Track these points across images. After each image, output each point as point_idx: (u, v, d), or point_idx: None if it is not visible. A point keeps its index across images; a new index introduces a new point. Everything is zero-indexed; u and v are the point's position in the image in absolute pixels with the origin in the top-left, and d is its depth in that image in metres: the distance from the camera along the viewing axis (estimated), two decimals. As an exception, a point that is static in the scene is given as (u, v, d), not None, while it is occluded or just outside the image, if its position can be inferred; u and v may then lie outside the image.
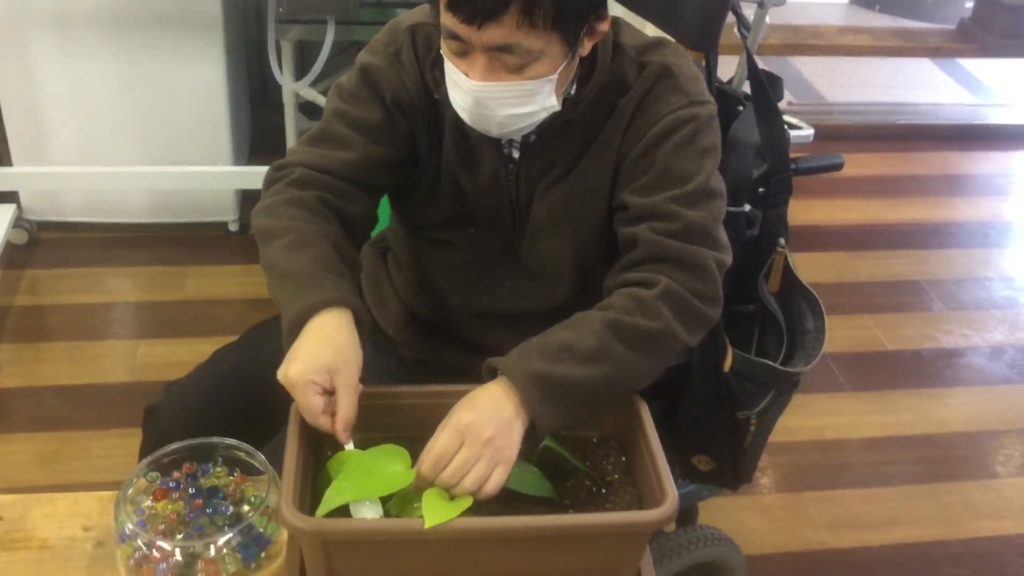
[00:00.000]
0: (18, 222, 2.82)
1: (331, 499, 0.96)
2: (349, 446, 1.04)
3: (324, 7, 2.66)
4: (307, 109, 3.05)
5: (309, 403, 1.03)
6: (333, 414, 1.04)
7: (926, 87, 4.32)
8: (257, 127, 3.29)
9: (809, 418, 2.48)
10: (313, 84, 2.78)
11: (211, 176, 2.71)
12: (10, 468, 2.15)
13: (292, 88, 2.79)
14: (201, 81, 2.71)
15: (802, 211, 3.30)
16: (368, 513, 0.99)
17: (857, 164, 3.69)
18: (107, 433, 2.23)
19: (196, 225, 2.96)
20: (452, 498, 0.99)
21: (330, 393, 1.05)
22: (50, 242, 2.88)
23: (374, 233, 1.48)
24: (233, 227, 2.97)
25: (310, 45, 2.86)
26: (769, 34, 1.53)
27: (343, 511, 0.98)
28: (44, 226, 2.89)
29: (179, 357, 2.41)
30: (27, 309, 2.64)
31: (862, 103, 3.88)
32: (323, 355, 1.05)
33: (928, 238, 3.32)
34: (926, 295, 3.01)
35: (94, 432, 2.25)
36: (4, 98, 2.66)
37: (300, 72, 2.80)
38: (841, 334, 2.76)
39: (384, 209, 1.42)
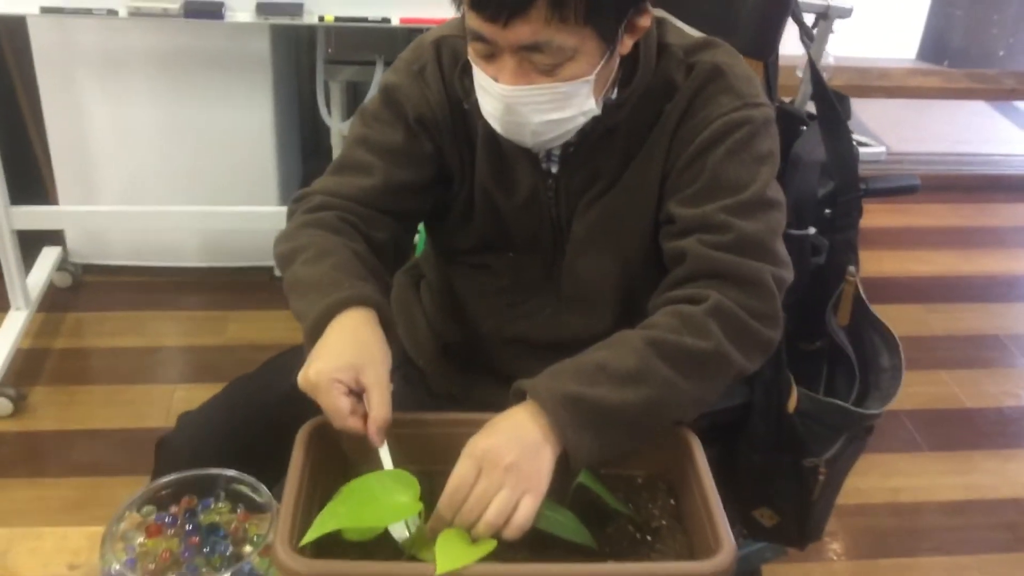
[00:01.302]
0: (63, 265, 2.79)
1: (322, 524, 0.84)
2: (384, 451, 0.93)
3: (372, 48, 2.63)
4: (356, 154, 3.00)
5: (336, 404, 0.93)
6: (364, 417, 0.94)
7: (993, 139, 4.15)
8: (307, 173, 3.25)
9: (883, 479, 2.29)
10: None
11: (257, 216, 2.66)
12: (37, 514, 2.07)
13: (339, 128, 2.74)
14: (249, 124, 2.68)
15: (872, 263, 3.14)
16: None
17: (927, 215, 3.53)
18: (138, 480, 2.08)
19: (240, 270, 2.90)
20: (474, 540, 0.86)
21: (357, 394, 0.94)
22: (94, 285, 2.84)
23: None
24: (278, 272, 2.90)
25: (360, 87, 2.82)
26: (834, 75, 1.42)
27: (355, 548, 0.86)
28: (89, 269, 2.86)
29: (216, 402, 2.33)
30: (67, 352, 2.59)
31: (931, 153, 3.72)
32: (347, 352, 0.95)
33: (1005, 291, 3.12)
34: (1006, 350, 2.81)
35: (125, 478, 2.16)
36: (52, 139, 2.65)
37: (349, 114, 2.76)
38: (916, 390, 2.58)
39: (420, 235, 1.32)
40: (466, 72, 1.12)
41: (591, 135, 1.11)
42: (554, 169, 1.15)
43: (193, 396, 2.43)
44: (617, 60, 1.07)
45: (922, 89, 3.07)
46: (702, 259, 1.05)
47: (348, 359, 0.95)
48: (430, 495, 0.90)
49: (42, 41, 2.49)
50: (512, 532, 0.87)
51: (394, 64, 1.20)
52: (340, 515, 0.87)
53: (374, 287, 1.04)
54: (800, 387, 1.30)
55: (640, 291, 1.15)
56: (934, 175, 3.66)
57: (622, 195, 1.14)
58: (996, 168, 3.78)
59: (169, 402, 2.41)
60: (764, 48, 1.26)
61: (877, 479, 2.28)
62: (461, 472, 0.88)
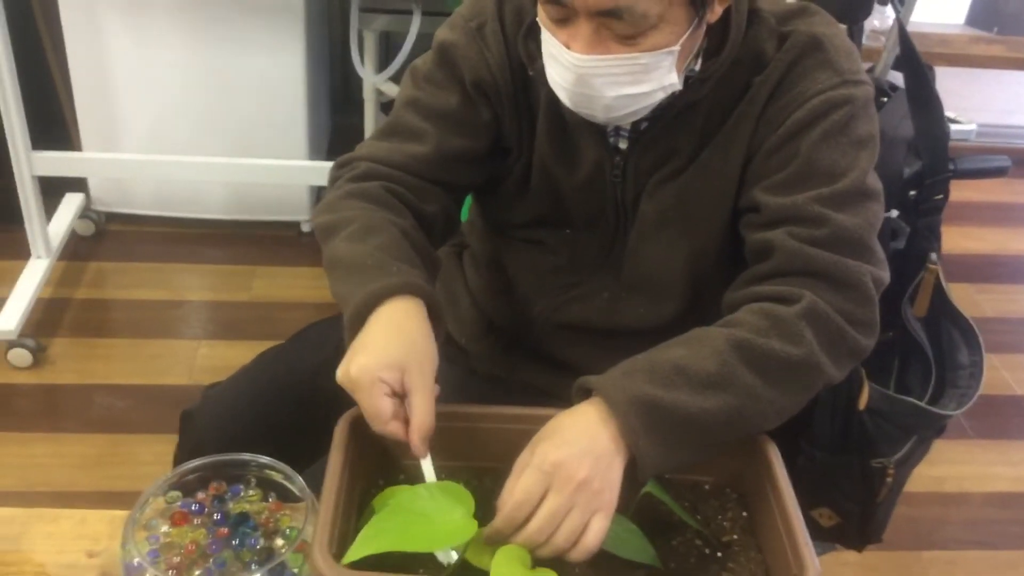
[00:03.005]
0: (86, 212, 2.72)
1: (365, 542, 0.76)
2: (427, 462, 0.85)
3: (410, -5, 2.51)
4: (389, 108, 2.89)
5: (377, 406, 0.84)
6: (406, 422, 0.85)
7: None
8: (337, 126, 3.15)
9: (927, 466, 2.14)
10: (396, 79, 2.62)
11: (285, 170, 2.56)
12: (53, 470, 2.02)
13: (372, 81, 2.63)
14: (279, 72, 2.57)
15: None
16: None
17: (980, 190, 3.39)
18: (158, 438, 2.08)
19: (267, 224, 2.82)
20: (534, 561, 0.78)
21: (400, 396, 0.86)
22: (117, 234, 2.77)
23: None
24: (306, 227, 2.82)
25: (396, 37, 2.71)
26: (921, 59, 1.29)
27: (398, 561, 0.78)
28: (112, 218, 2.78)
29: (240, 360, 2.22)
30: (88, 302, 2.52)
31: (985, 124, 3.57)
32: (393, 349, 0.86)
33: (1060, 272, 3.00)
34: (1061, 335, 2.70)
35: (145, 436, 2.11)
36: (76, 84, 2.56)
37: (383, 66, 2.65)
38: (963, 374, 2.48)
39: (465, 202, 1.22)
40: (531, 34, 1.02)
41: (668, 111, 1.01)
42: (623, 145, 1.05)
43: (217, 354, 2.38)
44: (704, 29, 0.96)
45: (983, 58, 2.91)
46: (794, 255, 0.95)
47: (394, 357, 0.86)
48: (479, 497, 0.82)
49: (68, -16, 2.40)
50: (580, 555, 0.78)
51: (450, 18, 1.09)
52: (387, 533, 0.79)
53: (422, 273, 0.95)
54: (871, 382, 1.20)
55: (709, 282, 1.05)
56: (986, 148, 3.52)
57: (698, 177, 1.04)
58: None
59: (192, 359, 2.35)
60: (856, 9, 1.14)
61: (921, 467, 2.14)
62: (527, 486, 0.79)
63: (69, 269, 2.61)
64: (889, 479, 1.22)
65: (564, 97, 0.97)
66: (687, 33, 0.93)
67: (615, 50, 0.91)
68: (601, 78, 0.92)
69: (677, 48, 0.92)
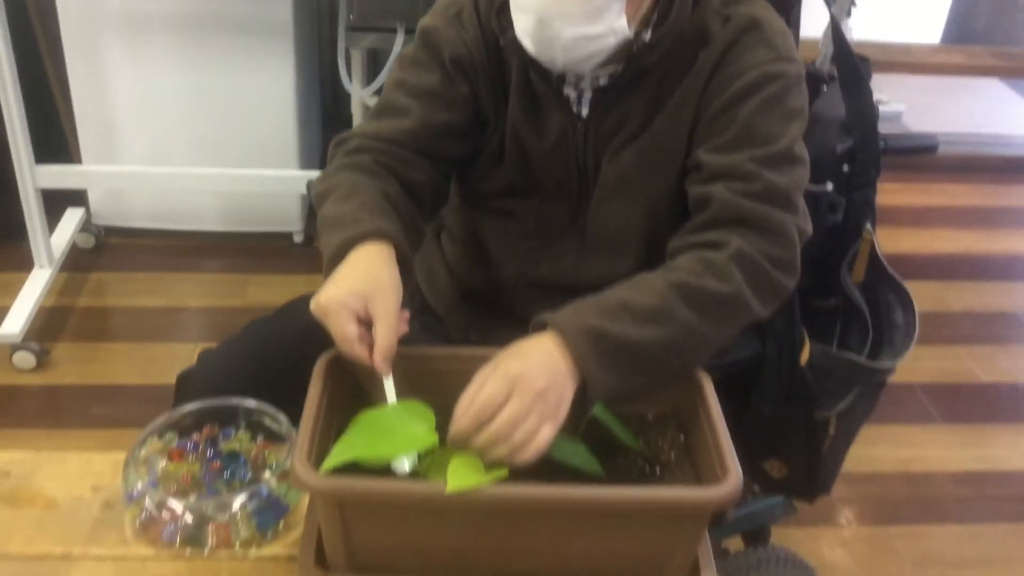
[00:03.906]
0: (86, 226, 2.83)
1: (339, 453, 0.86)
2: (388, 381, 0.95)
3: (394, 15, 2.63)
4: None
5: (344, 329, 0.94)
6: (371, 347, 0.95)
7: (1015, 121, 4.12)
8: (327, 142, 3.26)
9: (895, 449, 2.30)
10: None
11: (278, 180, 2.68)
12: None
13: (360, 96, 2.75)
14: (270, 90, 2.69)
15: (893, 240, 3.14)
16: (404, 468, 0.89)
17: (949, 195, 3.51)
18: None
19: (261, 235, 2.93)
20: (490, 462, 0.88)
21: (365, 324, 0.96)
22: (117, 247, 2.87)
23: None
24: (298, 238, 2.93)
25: (381, 55, 2.83)
26: (856, 50, 1.41)
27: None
28: (111, 231, 2.89)
29: (235, 362, 2.36)
30: (89, 310, 2.63)
31: (953, 132, 3.70)
32: (358, 282, 0.97)
33: (1024, 270, 3.12)
34: (1023, 327, 2.80)
35: (142, 432, 2.20)
36: (76, 102, 2.67)
37: (369, 81, 2.77)
38: (932, 364, 2.58)
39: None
40: (503, 11, 1.14)
41: (622, 78, 1.13)
42: (584, 113, 1.17)
43: (213, 355, 2.47)
44: None
45: (945, 66, 3.04)
46: (729, 205, 1.06)
47: (358, 288, 0.96)
48: (440, 428, 0.92)
49: (67, 3, 2.52)
50: (527, 457, 0.88)
51: (432, 9, 1.23)
52: (357, 445, 0.89)
53: (396, 225, 1.06)
54: (813, 342, 1.30)
55: (664, 236, 1.16)
56: (956, 155, 3.64)
57: (652, 141, 1.16)
58: (1017, 150, 3.75)
59: (189, 360, 2.39)
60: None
61: (889, 449, 2.29)
62: (491, 391, 0.89)
63: (71, 279, 2.71)
64: (832, 430, 1.31)
65: (528, 43, 1.08)
66: None
67: None
68: (558, 19, 1.04)
69: None
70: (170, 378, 2.33)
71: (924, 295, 2.92)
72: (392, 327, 0.95)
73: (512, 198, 1.25)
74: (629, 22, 1.07)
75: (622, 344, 0.95)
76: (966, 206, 3.47)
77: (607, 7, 1.04)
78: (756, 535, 1.65)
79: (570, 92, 1.16)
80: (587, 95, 1.16)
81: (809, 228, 1.11)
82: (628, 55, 1.12)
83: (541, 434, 0.89)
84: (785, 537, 1.75)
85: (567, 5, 1.03)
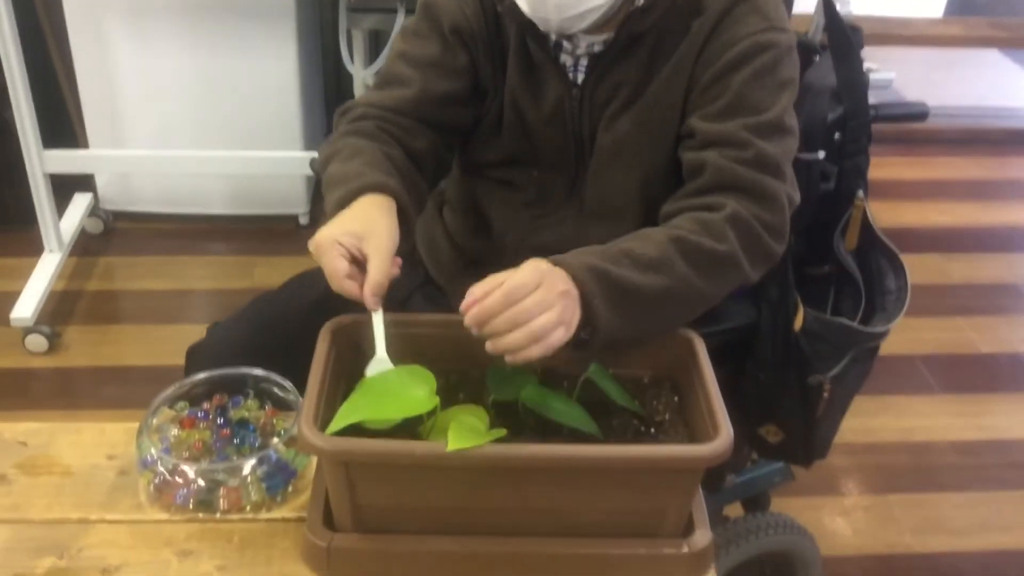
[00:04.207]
0: (94, 211, 2.86)
1: (344, 416, 0.89)
2: (378, 316, 0.98)
3: (395, -5, 2.65)
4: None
5: (334, 264, 0.98)
6: (362, 285, 0.99)
7: (1015, 94, 4.12)
8: (331, 123, 3.29)
9: (895, 419, 2.33)
10: (384, 74, 2.76)
11: (283, 161, 2.70)
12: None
13: (361, 76, 2.77)
14: (274, 73, 2.72)
15: (894, 213, 3.16)
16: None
17: (950, 167, 3.53)
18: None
19: (267, 218, 2.96)
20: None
21: (359, 262, 1.00)
22: (124, 231, 2.92)
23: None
24: (304, 220, 2.96)
25: (382, 35, 2.85)
26: (852, 22, 1.43)
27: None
28: (119, 216, 2.93)
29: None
30: (99, 293, 2.67)
31: (955, 106, 3.70)
32: (353, 223, 1.02)
33: (1025, 242, 3.13)
34: (1023, 298, 2.83)
35: (155, 412, 2.24)
36: (82, 87, 2.71)
37: (371, 62, 2.79)
38: (932, 335, 2.60)
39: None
40: None
41: (615, 44, 1.16)
42: (580, 80, 1.19)
43: (221, 335, 2.51)
44: None
45: (943, 37, 3.05)
46: (723, 171, 1.10)
47: (353, 228, 1.00)
48: (441, 392, 0.95)
49: (72, -13, 2.55)
50: (536, 353, 0.91)
51: None
52: (361, 408, 0.92)
53: (397, 181, 1.09)
54: (806, 308, 1.33)
55: (661, 203, 1.20)
56: (957, 128, 3.65)
57: (647, 109, 1.19)
58: (1018, 122, 3.77)
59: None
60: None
61: (889, 419, 2.32)
62: (523, 278, 0.93)
63: (80, 264, 2.75)
64: (826, 395, 1.34)
65: (523, 3, 1.12)
66: None
67: None
68: None
69: None
70: (179, 359, 2.37)
71: (925, 267, 2.97)
72: (384, 265, 0.98)
73: (511, 168, 1.29)
74: None
75: (625, 286, 0.99)
76: (967, 179, 3.49)
77: None
78: (756, 502, 1.68)
79: (566, 59, 1.19)
80: (583, 62, 1.19)
81: (797, 197, 1.15)
82: (622, 21, 1.14)
83: (555, 335, 0.92)
84: (786, 506, 1.78)
85: None
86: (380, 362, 0.98)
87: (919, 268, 2.93)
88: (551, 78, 1.20)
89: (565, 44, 1.19)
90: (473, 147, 1.30)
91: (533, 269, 0.95)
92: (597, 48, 1.18)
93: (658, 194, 1.21)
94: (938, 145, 3.55)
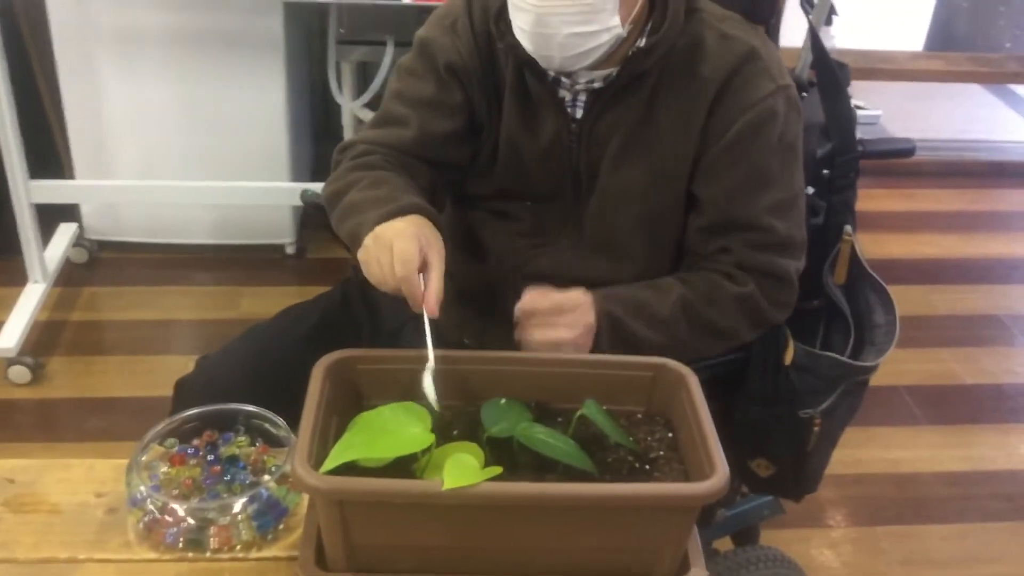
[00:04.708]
0: (79, 241, 2.85)
1: (339, 454, 0.88)
2: (428, 324, 1.00)
3: (383, 28, 2.67)
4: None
5: (411, 251, 1.00)
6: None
7: (996, 127, 4.18)
8: (319, 156, 3.30)
9: (882, 450, 2.33)
10: (373, 107, 2.77)
11: (270, 192, 2.70)
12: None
13: (350, 107, 2.79)
14: (262, 104, 2.72)
15: (878, 245, 3.19)
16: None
17: (932, 200, 3.57)
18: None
19: (254, 247, 2.95)
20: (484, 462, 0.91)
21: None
22: (109, 261, 2.90)
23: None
24: (290, 250, 2.96)
25: (371, 67, 2.87)
26: (837, 58, 1.45)
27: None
28: (104, 246, 2.92)
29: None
30: (83, 324, 2.65)
31: (936, 139, 3.75)
32: (417, 225, 1.05)
33: (1007, 273, 3.16)
34: (1006, 329, 2.85)
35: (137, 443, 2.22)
36: (69, 117, 2.70)
37: (359, 94, 2.81)
38: (917, 367, 2.62)
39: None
40: (501, 16, 1.19)
41: (617, 81, 1.17)
42: (579, 115, 1.20)
43: (207, 367, 2.49)
44: None
45: (925, 72, 3.09)
46: (748, 259, 1.22)
47: (418, 232, 1.03)
48: (435, 429, 0.94)
49: (60, 18, 2.55)
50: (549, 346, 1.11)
51: (428, 20, 1.28)
52: (356, 446, 0.91)
53: (431, 208, 1.12)
54: (796, 342, 1.34)
55: (664, 241, 1.26)
56: (939, 161, 3.69)
57: (656, 157, 1.21)
58: (1000, 155, 3.82)
59: (183, 372, 2.44)
60: (762, 8, 1.29)
61: (876, 451, 2.32)
62: (572, 296, 1.14)
63: (64, 294, 2.73)
64: (817, 428, 1.34)
65: (527, 43, 1.13)
66: None
67: None
68: (555, 17, 1.09)
69: None
70: (164, 390, 2.35)
71: (909, 299, 2.99)
72: (442, 277, 1.01)
73: (504, 200, 1.30)
74: (622, 23, 1.12)
75: (629, 336, 1.16)
76: (949, 211, 3.53)
77: (601, 7, 1.09)
78: (745, 535, 1.68)
79: (565, 94, 1.20)
80: (581, 97, 1.20)
81: (804, 262, 1.26)
82: (623, 59, 1.16)
83: (565, 349, 1.11)
84: (774, 538, 1.78)
85: (562, 6, 1.08)
86: (430, 372, 0.99)
87: (903, 299, 2.89)
88: (549, 113, 1.22)
89: (564, 80, 1.20)
90: (466, 180, 1.31)
91: (582, 293, 1.15)
92: (597, 84, 1.19)
93: (662, 234, 1.25)
94: (920, 177, 3.60)
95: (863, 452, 2.30)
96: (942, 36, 4.79)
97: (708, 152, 1.20)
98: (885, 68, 3.07)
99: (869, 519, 2.14)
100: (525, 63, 1.18)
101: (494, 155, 1.26)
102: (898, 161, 1.48)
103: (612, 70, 1.17)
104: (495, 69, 1.23)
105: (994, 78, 3.35)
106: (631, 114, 1.20)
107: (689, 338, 1.19)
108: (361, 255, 1.05)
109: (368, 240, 1.03)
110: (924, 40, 4.84)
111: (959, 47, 4.82)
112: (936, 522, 2.14)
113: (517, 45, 1.15)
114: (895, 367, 2.56)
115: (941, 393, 2.56)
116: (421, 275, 1.02)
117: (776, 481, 1.41)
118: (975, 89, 4.34)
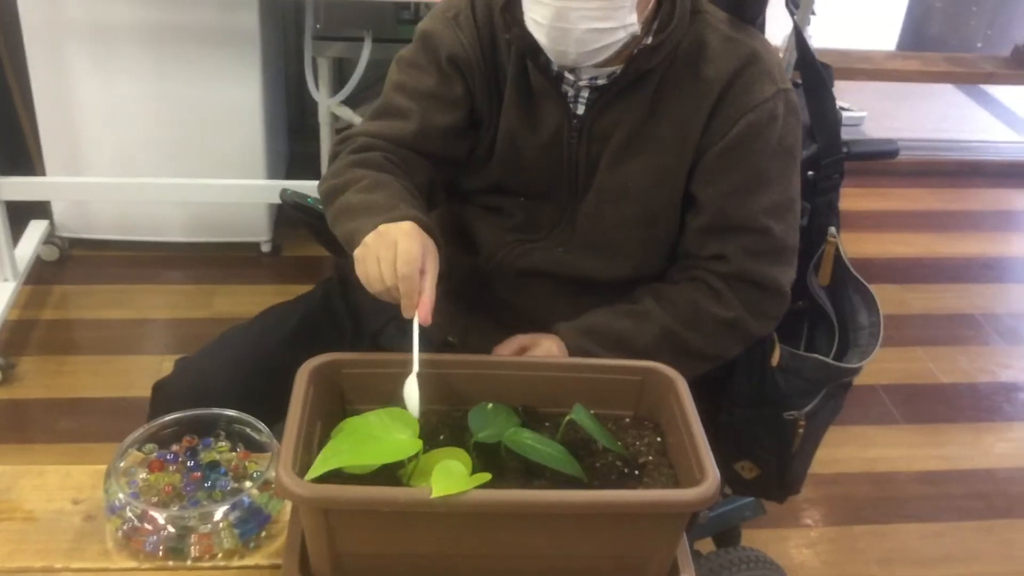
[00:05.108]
0: (50, 238, 2.80)
1: (324, 461, 0.86)
2: (417, 330, 0.99)
3: (360, 23, 2.65)
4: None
5: (417, 250, 0.99)
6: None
7: (970, 127, 4.22)
8: (294, 154, 3.27)
9: (859, 450, 2.34)
10: (350, 103, 2.75)
11: (246, 190, 2.66)
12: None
13: (327, 104, 2.75)
14: (237, 100, 2.68)
15: (853, 244, 3.17)
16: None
17: (908, 199, 3.59)
18: None
19: (228, 245, 2.91)
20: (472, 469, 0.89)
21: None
22: (81, 259, 2.85)
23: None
24: (266, 247, 2.92)
25: (348, 64, 2.84)
26: (817, 57, 1.45)
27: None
28: (76, 243, 2.87)
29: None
30: (54, 323, 2.60)
31: (911, 139, 3.78)
32: (417, 232, 1.03)
33: (981, 272, 3.19)
34: (981, 328, 2.87)
35: (112, 445, 2.14)
36: (40, 113, 2.65)
37: (336, 90, 2.77)
38: (892, 366, 2.63)
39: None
40: (508, 7, 1.17)
41: (621, 79, 1.17)
42: (580, 111, 1.19)
43: (181, 366, 2.45)
44: None
45: (902, 72, 3.11)
46: (743, 268, 1.21)
47: (420, 237, 1.02)
48: (422, 434, 0.92)
49: (30, 11, 2.50)
50: None
51: (430, 13, 1.27)
52: (342, 453, 0.89)
53: (428, 218, 1.10)
54: (782, 345, 1.33)
55: (659, 242, 1.25)
56: (914, 160, 3.72)
57: (656, 154, 1.20)
58: (974, 154, 3.85)
59: (156, 372, 2.39)
60: (753, 10, 1.28)
61: (854, 450, 2.33)
62: (537, 350, 1.17)
63: (35, 293, 2.68)
64: (801, 430, 1.34)
65: (541, 37, 1.11)
66: None
67: None
68: (575, 12, 1.08)
69: None
70: (137, 391, 2.32)
71: (884, 298, 2.94)
72: (435, 286, 1.00)
73: (498, 195, 1.29)
74: (639, 20, 1.11)
75: None
76: (924, 210, 3.55)
77: (621, 3, 1.08)
78: (727, 537, 1.68)
79: (568, 89, 1.19)
80: (583, 93, 1.19)
81: (795, 272, 1.25)
82: (628, 57, 1.15)
83: None
84: (753, 538, 1.78)
85: (585, 2, 1.07)
86: (415, 378, 0.98)
87: (879, 299, 2.96)
88: (551, 107, 1.21)
89: (567, 75, 1.19)
90: (461, 175, 1.29)
91: (551, 340, 1.17)
92: (601, 81, 1.18)
93: (657, 234, 1.24)
94: (895, 177, 3.62)
95: (841, 451, 2.31)
96: (915, 36, 4.83)
97: (708, 152, 1.19)
98: (863, 68, 3.09)
99: (847, 518, 2.15)
100: (530, 55, 1.17)
101: (491, 149, 1.25)
102: (871, 162, 1.48)
103: (617, 67, 1.16)
104: (497, 63, 1.22)
105: (970, 78, 3.38)
106: (633, 112, 1.19)
107: (671, 362, 1.12)
108: (359, 252, 1.03)
109: (370, 237, 1.02)
110: (897, 40, 4.88)
111: (932, 47, 4.86)
112: (913, 521, 2.15)
113: (523, 37, 1.14)
114: (872, 365, 2.54)
115: (917, 392, 2.58)
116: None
117: (760, 483, 1.40)
118: (947, 89, 4.38)
